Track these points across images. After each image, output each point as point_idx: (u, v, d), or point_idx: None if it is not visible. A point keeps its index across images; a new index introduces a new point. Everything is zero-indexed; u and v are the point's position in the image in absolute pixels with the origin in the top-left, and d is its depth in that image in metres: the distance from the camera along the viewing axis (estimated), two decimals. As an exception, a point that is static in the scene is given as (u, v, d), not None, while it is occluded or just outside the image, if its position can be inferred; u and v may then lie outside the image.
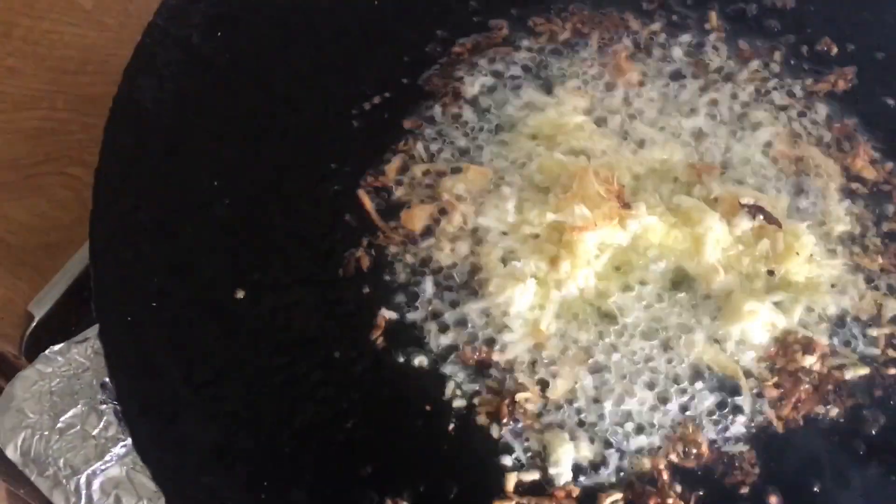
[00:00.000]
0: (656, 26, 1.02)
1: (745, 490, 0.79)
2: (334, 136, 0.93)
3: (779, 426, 0.82)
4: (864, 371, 0.85)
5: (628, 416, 0.83)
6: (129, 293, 0.83)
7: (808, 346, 0.86)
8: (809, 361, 0.85)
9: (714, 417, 0.83)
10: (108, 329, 0.81)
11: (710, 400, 0.83)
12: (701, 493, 0.79)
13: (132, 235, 0.85)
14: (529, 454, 0.80)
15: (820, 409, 0.84)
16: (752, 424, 0.82)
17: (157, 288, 0.84)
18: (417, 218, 0.89)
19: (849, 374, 0.85)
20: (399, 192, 0.91)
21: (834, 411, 0.83)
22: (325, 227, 0.88)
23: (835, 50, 1.00)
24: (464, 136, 0.95)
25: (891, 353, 0.86)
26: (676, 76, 0.99)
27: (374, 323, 0.83)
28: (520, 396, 0.82)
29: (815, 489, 0.80)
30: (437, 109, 0.96)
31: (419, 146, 0.93)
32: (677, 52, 1.01)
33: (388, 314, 0.84)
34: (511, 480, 0.79)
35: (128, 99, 0.90)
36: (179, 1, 0.94)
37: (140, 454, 0.77)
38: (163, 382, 0.80)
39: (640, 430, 0.82)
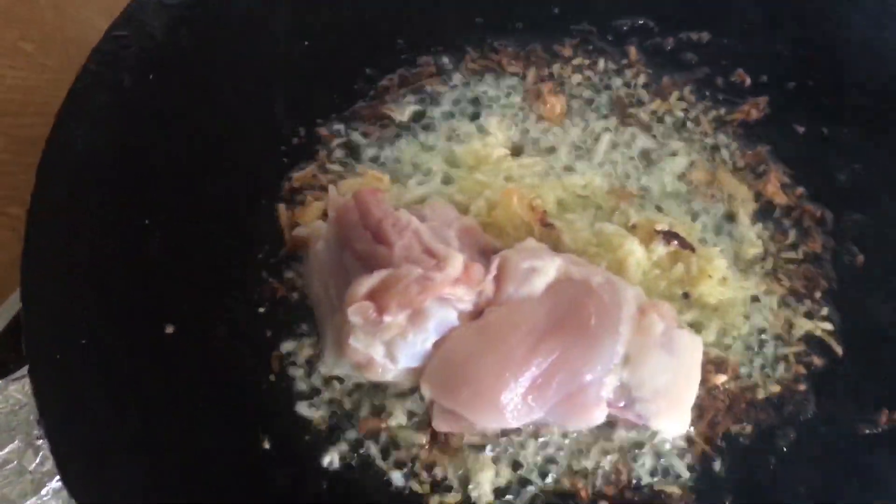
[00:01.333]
0: (578, 61, 1.05)
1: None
2: (264, 173, 0.96)
3: (696, 445, 0.86)
4: (775, 389, 0.89)
5: (546, 446, 0.86)
6: (59, 331, 0.85)
7: (720, 366, 0.90)
8: (722, 380, 0.89)
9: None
10: (37, 367, 0.82)
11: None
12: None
13: (63, 275, 0.87)
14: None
15: (735, 428, 0.87)
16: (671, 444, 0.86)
17: (87, 326, 0.85)
18: (310, 213, 0.93)
19: (760, 394, 0.89)
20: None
21: (748, 428, 0.87)
22: (248, 259, 0.92)
23: (748, 81, 1.05)
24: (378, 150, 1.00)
25: (800, 370, 0.90)
26: (597, 108, 1.03)
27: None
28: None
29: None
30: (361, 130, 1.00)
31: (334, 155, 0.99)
32: (598, 85, 1.05)
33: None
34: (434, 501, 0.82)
35: (60, 142, 0.92)
36: (112, 46, 0.97)
37: (70, 493, 0.78)
38: (92, 420, 0.81)
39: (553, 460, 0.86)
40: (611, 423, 0.86)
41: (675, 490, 0.84)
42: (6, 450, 0.93)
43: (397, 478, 0.84)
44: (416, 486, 0.83)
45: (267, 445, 0.83)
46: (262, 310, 0.90)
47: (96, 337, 0.85)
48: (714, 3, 1.08)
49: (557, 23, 1.08)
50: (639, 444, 0.87)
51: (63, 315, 0.86)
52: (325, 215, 0.94)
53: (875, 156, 0.99)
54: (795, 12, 1.08)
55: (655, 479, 0.85)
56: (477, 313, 0.85)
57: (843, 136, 1.00)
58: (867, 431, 0.86)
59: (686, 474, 0.85)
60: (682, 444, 0.87)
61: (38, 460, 0.93)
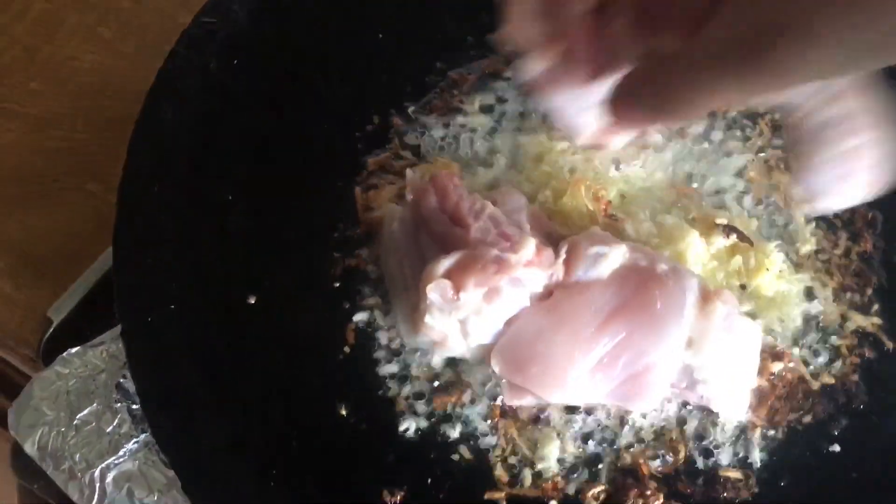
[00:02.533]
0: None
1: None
2: (340, 156, 1.01)
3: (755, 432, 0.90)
4: (829, 380, 0.93)
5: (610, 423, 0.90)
6: (149, 297, 0.89)
7: (776, 355, 0.93)
8: (778, 367, 0.93)
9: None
10: (129, 330, 0.86)
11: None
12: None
13: (153, 244, 0.91)
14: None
15: (793, 416, 0.91)
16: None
17: (176, 292, 0.90)
18: (383, 196, 0.98)
19: (815, 384, 0.93)
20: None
21: (807, 418, 0.91)
22: (327, 238, 0.96)
23: (802, 86, 1.09)
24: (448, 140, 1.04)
25: (853, 361, 0.93)
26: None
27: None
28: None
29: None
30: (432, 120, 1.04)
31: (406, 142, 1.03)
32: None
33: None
34: (502, 473, 0.86)
35: (150, 119, 0.96)
36: (199, 31, 1.01)
37: (159, 444, 0.82)
38: (180, 379, 0.85)
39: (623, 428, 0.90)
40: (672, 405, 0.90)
41: (736, 475, 0.87)
42: (85, 412, 0.97)
43: (464, 450, 0.87)
44: (484, 457, 0.87)
45: (343, 412, 0.87)
46: (337, 284, 0.94)
47: (184, 303, 0.89)
48: None
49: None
50: (702, 429, 0.90)
51: (153, 282, 0.90)
52: (397, 198, 0.98)
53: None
54: None
55: (711, 460, 0.88)
56: (547, 295, 0.89)
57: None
58: (918, 421, 0.90)
59: (757, 459, 0.88)
60: (741, 430, 0.90)
61: (115, 423, 0.97)
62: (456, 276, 0.85)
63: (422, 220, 0.92)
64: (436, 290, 0.84)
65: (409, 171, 0.95)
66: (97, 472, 0.94)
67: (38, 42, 1.23)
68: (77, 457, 0.95)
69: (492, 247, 0.87)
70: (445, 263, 0.86)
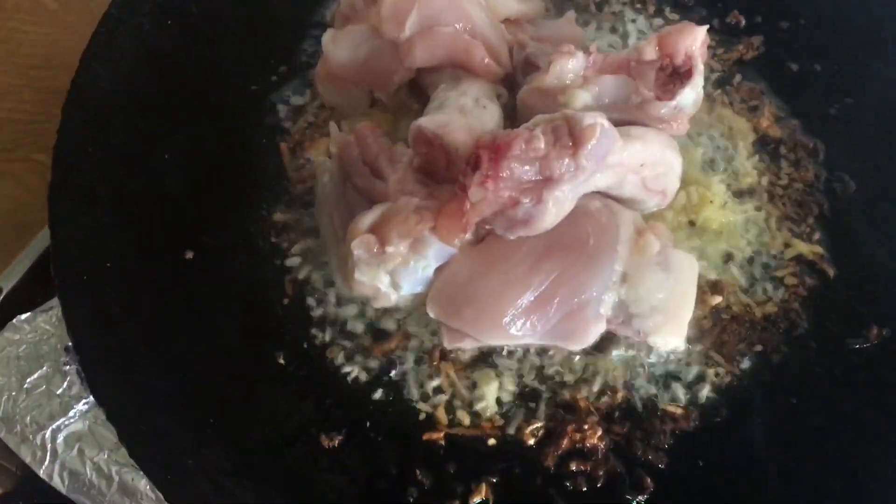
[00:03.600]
0: None
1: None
2: (271, 111, 1.02)
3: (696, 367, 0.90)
4: (771, 309, 0.93)
5: (548, 362, 0.90)
6: (85, 255, 0.89)
7: (715, 287, 0.93)
8: (717, 301, 0.93)
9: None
10: (66, 288, 0.87)
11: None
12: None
13: (88, 204, 0.92)
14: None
15: (740, 346, 0.91)
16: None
17: (113, 251, 0.90)
18: (315, 149, 1.00)
19: (758, 313, 0.92)
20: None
21: (752, 348, 0.91)
22: (259, 191, 0.97)
23: (743, 22, 1.08)
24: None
25: (794, 290, 0.93)
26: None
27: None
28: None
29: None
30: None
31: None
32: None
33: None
34: (441, 414, 0.86)
35: (84, 81, 0.96)
36: (132, -8, 1.02)
37: (96, 398, 0.83)
38: (119, 336, 0.86)
39: (560, 366, 0.90)
40: (609, 341, 0.90)
41: (676, 409, 0.87)
42: (35, 375, 0.98)
43: (403, 393, 0.88)
44: (425, 400, 0.87)
45: (282, 360, 0.88)
46: (273, 239, 0.95)
47: (121, 261, 0.90)
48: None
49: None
50: (637, 362, 0.90)
51: (89, 241, 0.90)
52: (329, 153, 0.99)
53: (864, 89, 1.02)
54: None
55: (650, 395, 0.88)
56: (477, 240, 0.89)
57: (834, 72, 1.04)
58: (857, 346, 0.89)
59: (682, 395, 0.88)
60: (682, 364, 0.90)
61: (65, 385, 0.98)
62: (380, 230, 0.86)
63: (346, 173, 0.92)
64: (360, 246, 0.84)
65: (332, 125, 0.95)
66: (48, 434, 0.95)
67: (-17, 17, 1.24)
68: (28, 419, 0.96)
69: (412, 196, 0.87)
70: (369, 218, 0.86)
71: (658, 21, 1.10)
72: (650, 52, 0.92)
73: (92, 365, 0.84)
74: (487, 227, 0.87)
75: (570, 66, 0.91)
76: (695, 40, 0.90)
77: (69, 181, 0.92)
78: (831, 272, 0.93)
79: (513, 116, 0.96)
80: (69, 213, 0.91)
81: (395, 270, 0.86)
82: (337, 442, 0.83)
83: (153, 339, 0.87)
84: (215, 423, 0.83)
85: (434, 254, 0.86)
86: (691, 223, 0.96)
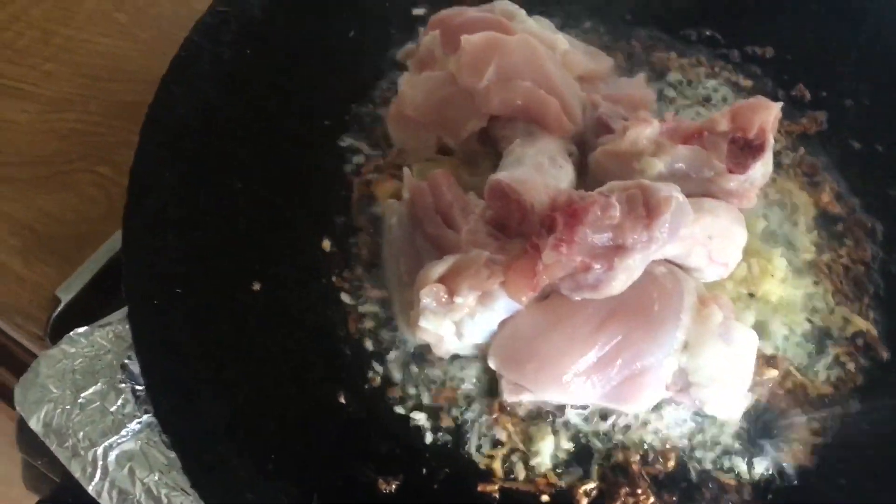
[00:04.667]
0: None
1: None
2: (344, 146, 1.04)
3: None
4: (825, 389, 0.94)
5: (605, 422, 0.92)
6: (155, 280, 0.90)
7: (771, 361, 0.95)
8: (773, 374, 0.94)
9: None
10: (135, 311, 0.88)
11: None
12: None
13: (161, 228, 0.93)
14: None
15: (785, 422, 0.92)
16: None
17: (182, 276, 0.91)
18: (384, 190, 1.01)
19: (812, 391, 0.94)
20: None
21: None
22: (326, 226, 0.99)
23: (808, 96, 1.10)
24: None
25: (848, 370, 0.95)
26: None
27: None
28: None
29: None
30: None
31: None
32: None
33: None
34: (497, 467, 0.87)
35: (162, 105, 0.98)
36: (214, 20, 1.03)
37: (161, 424, 0.84)
38: (183, 361, 0.87)
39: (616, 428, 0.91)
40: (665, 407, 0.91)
41: (729, 482, 0.88)
42: (89, 391, 0.99)
43: (460, 442, 0.89)
44: (481, 450, 0.88)
45: (342, 400, 0.89)
46: (337, 277, 0.96)
47: (190, 287, 0.91)
48: (779, 20, 1.14)
49: (626, 27, 1.14)
50: (692, 430, 0.91)
51: (159, 266, 0.91)
52: (398, 196, 1.00)
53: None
54: (855, 33, 1.14)
55: (704, 465, 0.90)
56: (543, 296, 0.90)
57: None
58: (909, 431, 0.91)
59: (742, 468, 0.89)
60: (737, 437, 0.91)
61: (119, 402, 0.98)
62: (450, 281, 0.87)
63: (417, 219, 0.93)
64: (429, 295, 0.86)
65: (406, 170, 0.97)
66: (100, 451, 0.96)
67: (54, 26, 1.25)
68: (80, 434, 0.96)
69: (483, 248, 0.88)
70: (440, 268, 0.87)
71: (725, 88, 1.12)
72: (723, 124, 0.94)
73: (158, 391, 0.85)
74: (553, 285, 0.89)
75: (646, 132, 0.93)
76: (769, 116, 0.92)
77: (143, 204, 0.93)
78: (885, 354, 0.95)
79: (582, 174, 0.98)
80: (141, 237, 0.92)
81: (461, 321, 0.87)
82: (394, 487, 0.84)
83: (218, 367, 0.87)
84: (276, 458, 0.84)
85: (501, 308, 0.88)
86: (751, 295, 0.98)
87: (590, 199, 0.85)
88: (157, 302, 0.89)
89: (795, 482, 0.88)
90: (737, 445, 0.90)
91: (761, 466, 0.89)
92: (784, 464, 0.90)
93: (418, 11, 1.13)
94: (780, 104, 0.93)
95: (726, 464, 0.90)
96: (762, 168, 0.94)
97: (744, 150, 0.94)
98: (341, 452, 0.86)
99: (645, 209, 0.85)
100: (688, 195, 0.89)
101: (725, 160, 0.93)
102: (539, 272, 0.84)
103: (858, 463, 0.90)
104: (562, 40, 1.02)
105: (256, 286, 0.93)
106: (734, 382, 0.89)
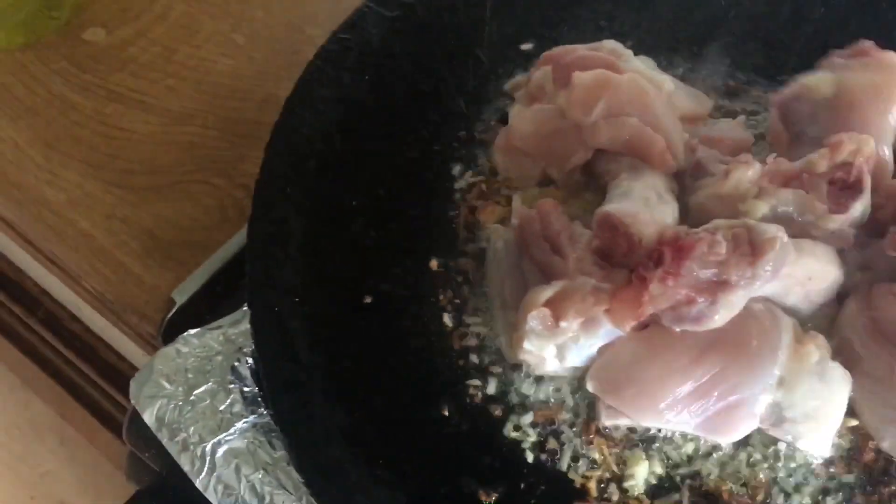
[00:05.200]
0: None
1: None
2: (454, 173, 1.09)
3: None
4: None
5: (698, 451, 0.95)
6: (276, 289, 0.95)
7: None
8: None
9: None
10: (258, 318, 0.93)
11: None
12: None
13: (282, 241, 0.98)
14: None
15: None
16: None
17: (300, 287, 0.96)
18: (490, 215, 1.07)
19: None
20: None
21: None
22: (434, 246, 1.04)
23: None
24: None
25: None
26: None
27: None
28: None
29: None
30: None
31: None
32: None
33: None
34: (592, 487, 0.91)
35: (288, 124, 1.04)
36: (336, 46, 1.09)
37: (280, 426, 0.89)
38: (301, 367, 0.92)
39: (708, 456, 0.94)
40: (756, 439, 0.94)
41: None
42: (201, 389, 1.04)
43: (557, 461, 0.92)
44: (577, 470, 0.92)
45: (446, 413, 0.93)
46: (449, 292, 1.01)
47: (307, 297, 0.96)
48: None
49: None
50: (783, 465, 0.94)
51: (280, 275, 0.97)
52: (503, 219, 1.05)
53: None
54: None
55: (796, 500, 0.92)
56: (643, 326, 0.94)
57: None
58: None
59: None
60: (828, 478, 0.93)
61: (228, 402, 1.04)
62: (556, 306, 0.91)
63: (525, 245, 0.98)
64: (536, 318, 0.90)
65: (515, 197, 1.01)
66: (209, 447, 1.01)
67: (176, 43, 1.33)
68: (191, 430, 1.02)
69: (588, 276, 0.92)
70: (547, 293, 0.91)
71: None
72: (822, 165, 0.97)
73: (278, 394, 0.90)
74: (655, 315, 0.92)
75: (748, 174, 0.97)
76: (864, 152, 0.95)
77: (266, 216, 0.99)
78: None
79: (681, 213, 1.01)
80: (264, 248, 0.97)
81: (564, 345, 0.91)
82: (493, 499, 0.88)
83: (332, 375, 0.93)
84: (385, 465, 0.88)
85: (603, 334, 0.92)
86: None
87: (697, 236, 0.89)
88: (278, 309, 0.94)
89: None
90: (828, 484, 0.92)
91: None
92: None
93: (526, 46, 1.17)
94: (871, 137, 0.96)
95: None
96: (861, 207, 0.97)
97: (843, 190, 0.97)
98: (445, 463, 0.90)
99: (750, 248, 0.89)
100: (792, 237, 0.93)
101: (827, 200, 0.96)
102: (645, 302, 0.88)
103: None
104: (668, 81, 1.06)
105: (368, 299, 0.98)
106: (827, 420, 0.92)
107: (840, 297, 1.00)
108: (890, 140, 1.03)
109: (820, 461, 0.93)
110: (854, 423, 0.95)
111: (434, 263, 1.03)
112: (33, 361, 1.43)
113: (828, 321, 1.00)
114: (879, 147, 1.00)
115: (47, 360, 1.43)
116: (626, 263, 0.93)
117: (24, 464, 1.55)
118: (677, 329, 0.91)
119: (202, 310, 1.11)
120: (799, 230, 0.97)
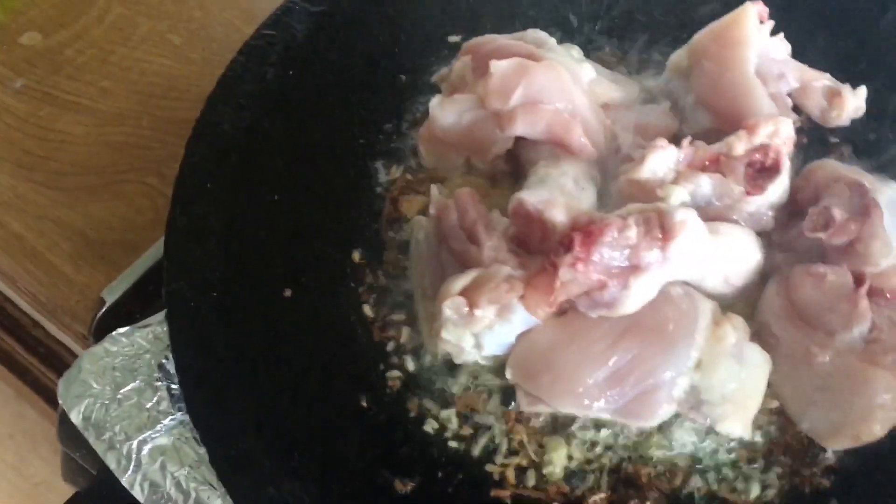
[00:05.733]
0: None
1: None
2: (375, 166, 1.09)
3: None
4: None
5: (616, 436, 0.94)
6: (194, 283, 0.95)
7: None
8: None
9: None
10: (174, 312, 0.93)
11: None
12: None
13: (201, 236, 0.98)
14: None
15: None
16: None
17: (219, 281, 0.96)
18: (412, 207, 1.07)
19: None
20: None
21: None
22: (356, 239, 1.04)
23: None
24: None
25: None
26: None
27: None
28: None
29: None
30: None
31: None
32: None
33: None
34: (510, 474, 0.90)
35: (208, 121, 1.04)
36: (260, 42, 1.09)
37: (192, 419, 0.88)
38: (216, 361, 0.92)
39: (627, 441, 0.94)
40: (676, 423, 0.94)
41: (737, 500, 0.90)
42: (128, 387, 1.04)
43: (475, 449, 0.92)
44: (495, 458, 0.92)
45: (364, 403, 0.93)
46: (371, 284, 1.01)
47: (226, 292, 0.96)
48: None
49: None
50: (702, 448, 0.93)
51: (199, 271, 0.97)
52: (424, 212, 1.05)
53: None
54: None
55: (715, 486, 0.92)
56: (561, 312, 0.93)
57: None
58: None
59: (752, 489, 0.92)
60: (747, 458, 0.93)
61: (155, 400, 1.03)
62: (470, 294, 0.91)
63: (443, 235, 0.98)
64: (451, 307, 0.90)
65: (433, 187, 1.01)
66: (135, 444, 1.01)
67: (112, 45, 1.33)
68: (117, 428, 1.02)
69: (503, 264, 0.92)
70: (461, 281, 0.91)
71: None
72: (739, 148, 0.97)
73: (191, 388, 0.90)
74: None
75: (664, 159, 0.96)
76: (781, 134, 0.95)
77: (186, 213, 0.99)
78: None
79: (603, 199, 1.01)
80: (183, 243, 0.97)
81: (481, 333, 0.91)
82: (409, 488, 0.88)
83: (249, 369, 0.92)
84: (299, 457, 0.88)
85: (519, 321, 0.91)
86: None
87: (607, 220, 0.89)
88: (195, 304, 0.94)
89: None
90: (747, 466, 0.92)
91: (772, 490, 0.91)
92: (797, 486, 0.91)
93: (454, 38, 1.17)
94: (791, 119, 0.96)
95: (737, 485, 0.91)
96: (779, 190, 0.97)
97: (761, 171, 0.97)
98: (362, 454, 0.90)
99: (661, 231, 0.89)
100: (709, 219, 0.93)
101: (744, 183, 0.96)
102: (556, 289, 0.88)
103: (876, 484, 0.91)
104: (588, 68, 1.06)
105: (288, 293, 0.98)
106: (745, 402, 0.91)
107: (764, 279, 1.00)
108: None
109: (739, 444, 0.93)
110: (776, 404, 0.95)
111: (356, 256, 1.03)
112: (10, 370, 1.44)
113: (752, 304, 1.00)
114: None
115: (25, 368, 1.43)
116: (541, 251, 0.93)
117: (19, 474, 1.57)
118: (593, 315, 0.91)
119: (134, 308, 1.11)
120: (717, 214, 0.97)
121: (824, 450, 0.92)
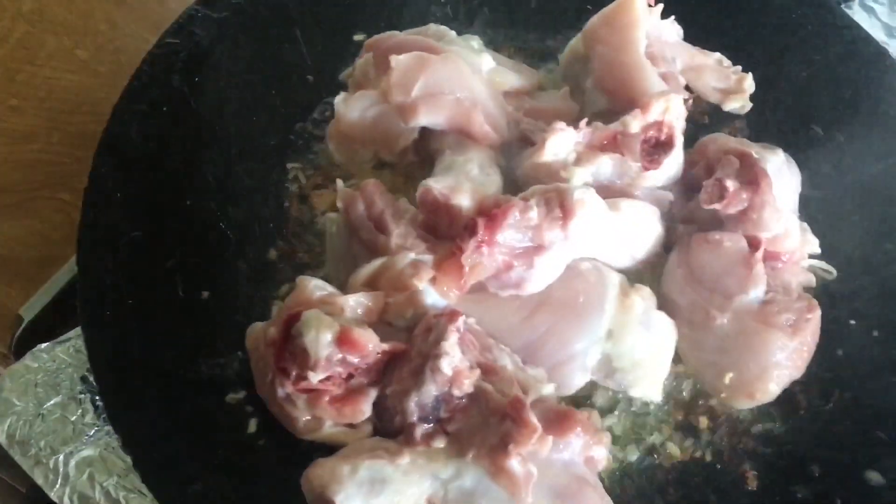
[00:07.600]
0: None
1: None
2: (284, 164, 1.12)
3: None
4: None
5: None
6: (109, 293, 0.95)
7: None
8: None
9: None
10: (89, 322, 0.93)
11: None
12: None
13: (114, 246, 0.98)
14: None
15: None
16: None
17: (135, 290, 0.96)
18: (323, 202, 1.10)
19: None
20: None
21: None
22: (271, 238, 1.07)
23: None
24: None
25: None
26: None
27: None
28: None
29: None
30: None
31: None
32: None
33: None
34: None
35: (115, 131, 1.04)
36: (165, 50, 1.10)
37: (115, 428, 0.88)
38: (135, 370, 0.91)
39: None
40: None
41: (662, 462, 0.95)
42: (51, 402, 1.04)
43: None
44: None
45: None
46: (289, 282, 1.02)
47: (142, 299, 0.96)
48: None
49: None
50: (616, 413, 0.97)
51: (113, 280, 0.96)
52: (334, 207, 1.06)
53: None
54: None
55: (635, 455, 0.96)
56: (471, 290, 0.96)
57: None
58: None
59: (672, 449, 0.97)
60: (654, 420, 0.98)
61: (79, 412, 1.04)
62: (376, 283, 0.93)
63: (353, 227, 0.99)
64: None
65: (339, 181, 1.02)
66: (61, 458, 1.01)
67: (18, 64, 1.32)
68: (42, 443, 1.02)
69: (410, 250, 0.94)
70: (366, 270, 0.93)
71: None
72: (635, 125, 1.01)
73: (110, 397, 0.89)
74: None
75: (563, 141, 1.00)
76: (673, 110, 1.00)
77: (97, 223, 0.99)
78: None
79: (509, 184, 1.04)
80: (95, 254, 0.97)
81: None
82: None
83: (167, 373, 0.93)
84: (220, 454, 0.89)
85: (431, 303, 0.94)
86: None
87: (510, 203, 0.92)
88: (110, 313, 0.94)
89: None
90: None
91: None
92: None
93: (359, 37, 1.19)
94: (682, 96, 1.00)
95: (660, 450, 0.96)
96: (674, 163, 1.01)
97: (655, 147, 1.01)
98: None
99: (561, 210, 0.92)
100: (611, 197, 0.96)
101: (640, 158, 1.00)
102: (466, 273, 0.91)
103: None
104: (488, 58, 1.09)
105: (205, 294, 0.99)
106: (655, 367, 0.95)
107: (668, 251, 1.05)
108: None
109: (652, 406, 0.97)
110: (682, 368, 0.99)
111: (273, 253, 1.04)
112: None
113: (660, 276, 1.04)
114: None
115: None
116: (450, 236, 0.95)
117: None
118: (503, 294, 0.94)
119: (53, 324, 1.10)
120: (619, 191, 1.01)
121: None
